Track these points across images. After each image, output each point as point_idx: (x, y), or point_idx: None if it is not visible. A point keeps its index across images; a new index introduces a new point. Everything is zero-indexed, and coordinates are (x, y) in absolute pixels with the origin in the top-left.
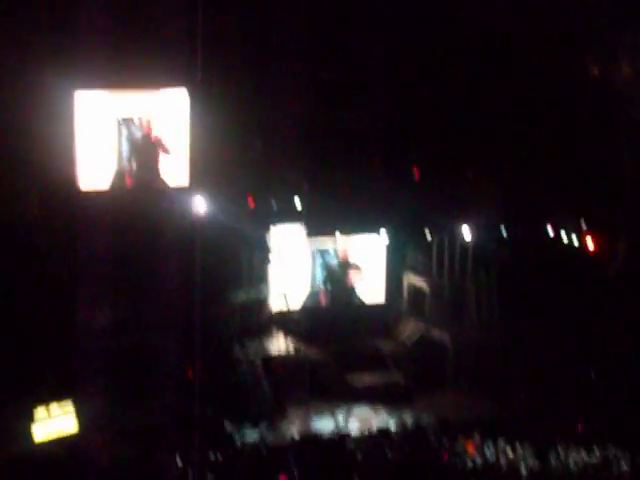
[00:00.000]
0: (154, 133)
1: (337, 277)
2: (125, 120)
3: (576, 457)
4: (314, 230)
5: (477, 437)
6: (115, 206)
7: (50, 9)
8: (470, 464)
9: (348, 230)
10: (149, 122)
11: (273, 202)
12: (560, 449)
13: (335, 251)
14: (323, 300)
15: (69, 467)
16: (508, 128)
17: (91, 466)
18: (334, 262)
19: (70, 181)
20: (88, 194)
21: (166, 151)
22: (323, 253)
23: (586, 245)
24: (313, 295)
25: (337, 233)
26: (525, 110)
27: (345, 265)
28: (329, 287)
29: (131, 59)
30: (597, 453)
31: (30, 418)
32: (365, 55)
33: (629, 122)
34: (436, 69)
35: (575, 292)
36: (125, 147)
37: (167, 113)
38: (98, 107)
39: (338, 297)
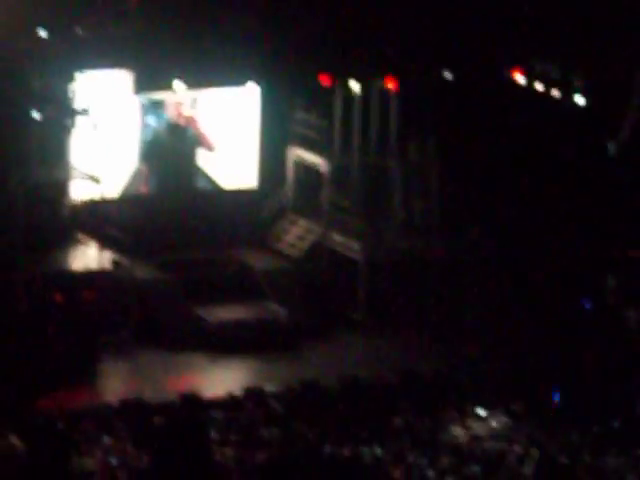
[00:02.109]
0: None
1: (170, 147)
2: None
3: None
4: (147, 80)
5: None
6: None
7: None
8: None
9: (198, 80)
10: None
11: (78, 31)
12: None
13: (170, 107)
14: (148, 186)
15: None
16: None
17: None
18: (166, 121)
19: None
20: None
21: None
22: (154, 110)
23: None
24: (138, 177)
25: (176, 83)
26: None
27: (180, 129)
28: (155, 163)
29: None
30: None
31: None
32: None
33: None
34: None
35: (558, 174)
36: None
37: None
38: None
39: (171, 179)
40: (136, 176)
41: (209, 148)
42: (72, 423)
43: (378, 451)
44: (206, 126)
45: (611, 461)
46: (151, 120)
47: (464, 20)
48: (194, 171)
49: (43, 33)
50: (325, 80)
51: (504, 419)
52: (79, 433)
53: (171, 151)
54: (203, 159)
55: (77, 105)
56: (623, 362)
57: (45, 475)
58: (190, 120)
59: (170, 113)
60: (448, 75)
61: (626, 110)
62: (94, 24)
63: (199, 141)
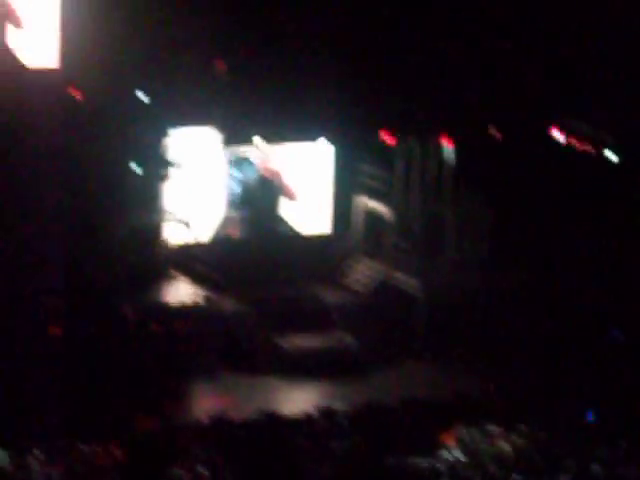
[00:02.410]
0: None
1: (257, 198)
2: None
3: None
4: (233, 136)
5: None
6: None
7: None
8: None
9: (277, 136)
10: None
11: (174, 95)
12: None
13: (256, 162)
14: (237, 230)
15: None
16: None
17: None
18: (253, 174)
19: None
20: None
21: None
22: (241, 165)
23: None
24: (227, 223)
25: (259, 139)
26: None
27: (266, 180)
28: (247, 212)
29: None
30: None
31: None
32: None
33: None
34: None
35: (594, 222)
36: None
37: None
38: None
39: (259, 225)
40: (225, 222)
41: (291, 198)
42: (168, 436)
43: (433, 462)
44: (288, 178)
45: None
46: (238, 172)
47: (510, 86)
48: (277, 218)
49: (144, 97)
50: (388, 138)
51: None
52: (173, 445)
53: (258, 201)
54: (283, 207)
55: (172, 158)
56: None
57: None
58: (274, 173)
59: (257, 166)
60: (496, 133)
61: None
62: (186, 88)
63: (282, 192)
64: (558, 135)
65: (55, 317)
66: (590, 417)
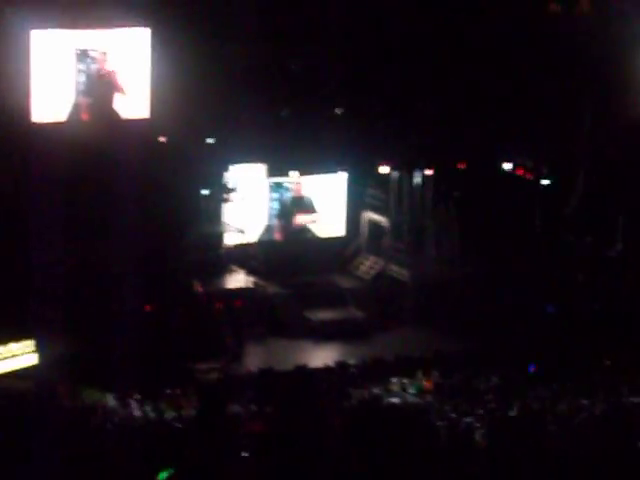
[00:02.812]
0: (110, 67)
1: (290, 211)
2: (82, 53)
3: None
4: (274, 170)
5: (435, 374)
6: (71, 138)
7: None
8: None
9: (307, 170)
10: (104, 55)
11: (235, 140)
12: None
13: (290, 186)
14: (277, 235)
15: (30, 398)
16: (467, 68)
17: (50, 400)
18: (288, 196)
19: (24, 114)
20: (43, 126)
21: (120, 89)
22: (278, 187)
23: (542, 182)
24: (269, 230)
25: (293, 171)
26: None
27: (298, 199)
28: (283, 221)
29: None
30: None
31: None
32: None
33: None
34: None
35: (533, 228)
36: (81, 80)
37: (128, 50)
38: (56, 44)
39: (292, 232)
40: (268, 229)
41: (313, 215)
42: (229, 382)
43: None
44: (312, 198)
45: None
46: (276, 195)
47: (471, 133)
48: (306, 227)
49: (211, 140)
50: (385, 169)
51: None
52: (233, 389)
53: (292, 214)
54: (309, 218)
55: (231, 185)
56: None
57: (210, 416)
58: (302, 194)
59: (292, 190)
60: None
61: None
62: (243, 135)
63: (311, 208)
64: (508, 166)
65: (150, 297)
66: (531, 369)
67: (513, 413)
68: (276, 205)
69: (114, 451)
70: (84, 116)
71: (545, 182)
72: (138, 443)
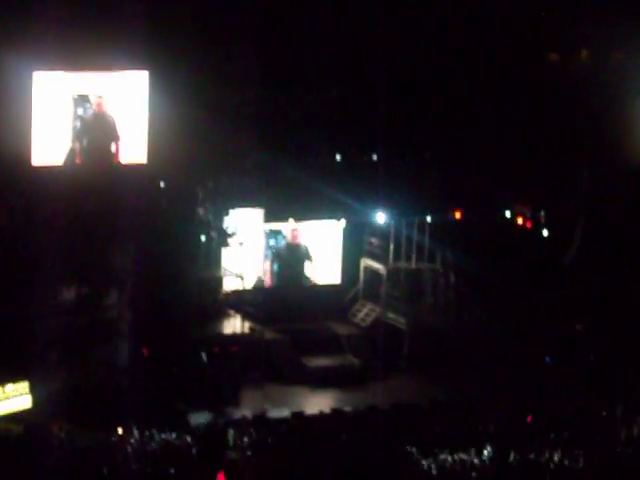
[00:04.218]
0: (107, 111)
1: (285, 258)
2: (81, 98)
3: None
4: (271, 215)
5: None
6: (67, 183)
7: None
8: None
9: (304, 216)
10: (101, 99)
11: (231, 185)
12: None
13: (285, 233)
14: (269, 280)
15: (23, 441)
16: (464, 117)
17: (45, 442)
18: (283, 243)
19: (24, 157)
20: (41, 169)
21: (116, 134)
22: (275, 234)
23: (541, 232)
24: (265, 276)
25: (290, 218)
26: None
27: (294, 246)
28: (275, 268)
29: (91, 41)
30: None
31: None
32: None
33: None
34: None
35: (530, 277)
36: (78, 125)
37: (126, 93)
38: (56, 86)
39: (286, 278)
40: (264, 275)
41: (310, 259)
42: (224, 427)
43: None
44: (307, 244)
45: None
46: (272, 241)
47: (472, 180)
48: (302, 273)
49: (211, 184)
50: (381, 218)
51: None
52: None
53: (288, 261)
54: (306, 265)
55: (229, 230)
56: None
57: (208, 459)
58: (300, 241)
59: (288, 236)
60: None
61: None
62: (239, 181)
63: (307, 255)
64: (507, 214)
65: (147, 341)
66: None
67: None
68: (273, 251)
69: None
70: (78, 160)
71: (544, 232)
72: None
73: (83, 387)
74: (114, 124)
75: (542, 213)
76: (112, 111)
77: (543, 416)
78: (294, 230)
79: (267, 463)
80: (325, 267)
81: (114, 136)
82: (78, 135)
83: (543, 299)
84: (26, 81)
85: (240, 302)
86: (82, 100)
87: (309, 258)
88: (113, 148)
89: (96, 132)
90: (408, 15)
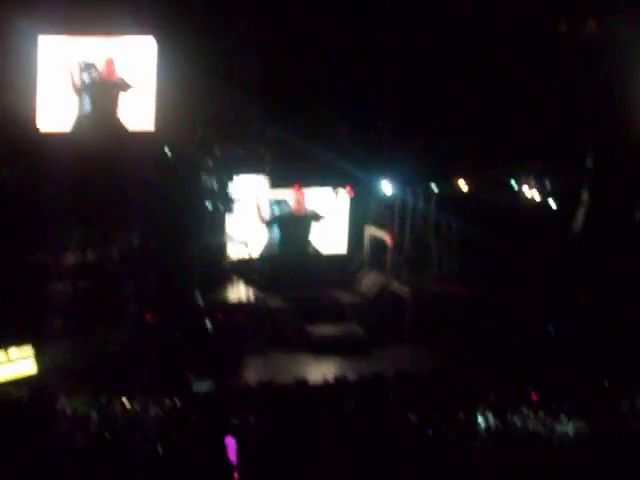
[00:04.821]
0: (114, 76)
1: (289, 227)
2: (87, 64)
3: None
4: (278, 181)
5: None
6: (76, 149)
7: None
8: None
9: (311, 183)
10: (110, 64)
11: (238, 151)
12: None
13: (290, 201)
14: (274, 249)
15: (28, 407)
16: (467, 83)
17: (49, 407)
18: (287, 211)
19: (32, 123)
20: (49, 136)
21: (125, 88)
22: (279, 203)
23: (549, 203)
24: (270, 244)
25: (295, 185)
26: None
27: (298, 216)
28: (279, 235)
29: (98, 5)
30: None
31: None
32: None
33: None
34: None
35: (536, 248)
36: (85, 90)
37: (133, 59)
38: (62, 51)
39: (290, 246)
40: (269, 243)
41: (317, 226)
42: (228, 395)
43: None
44: (315, 211)
45: None
46: (276, 209)
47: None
48: (307, 242)
49: (217, 152)
50: (387, 186)
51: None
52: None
53: (293, 229)
54: (312, 233)
55: (233, 197)
56: None
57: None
58: (306, 209)
59: (292, 205)
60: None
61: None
62: (246, 146)
63: (315, 218)
64: (513, 183)
65: (151, 307)
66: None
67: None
68: (277, 220)
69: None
70: (87, 127)
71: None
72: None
73: (87, 354)
74: (121, 89)
75: (547, 183)
76: (120, 75)
77: (544, 387)
78: (299, 197)
79: (270, 430)
80: (331, 236)
81: (123, 98)
82: (87, 100)
83: (548, 270)
84: (31, 45)
85: (245, 270)
86: (88, 66)
87: (317, 219)
88: (122, 115)
89: (105, 97)
90: None
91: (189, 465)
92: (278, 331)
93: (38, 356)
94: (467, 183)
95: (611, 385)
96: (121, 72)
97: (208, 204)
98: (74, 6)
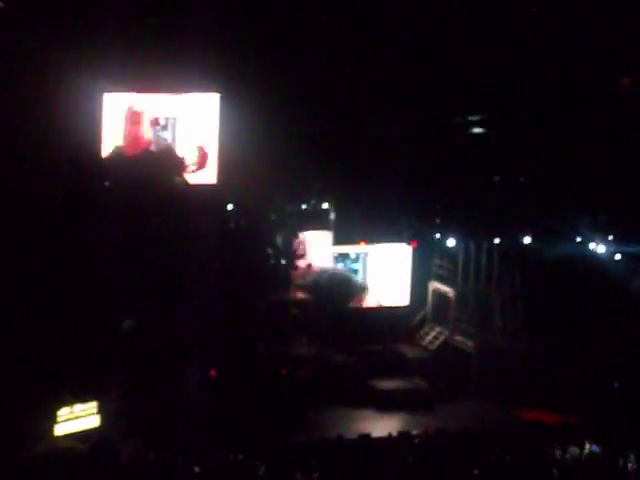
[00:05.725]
0: (178, 134)
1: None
2: (153, 120)
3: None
4: (340, 238)
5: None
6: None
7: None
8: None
9: (374, 239)
10: (173, 121)
11: (303, 208)
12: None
13: (355, 257)
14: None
15: (91, 459)
16: (533, 140)
17: (111, 460)
18: (354, 265)
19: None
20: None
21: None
22: (343, 258)
23: (611, 259)
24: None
25: (360, 242)
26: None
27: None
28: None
29: (163, 64)
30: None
31: (53, 419)
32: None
33: None
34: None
35: (600, 303)
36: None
37: (196, 115)
38: (125, 107)
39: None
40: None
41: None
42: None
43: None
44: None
45: None
46: (341, 265)
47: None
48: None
49: (280, 207)
50: (450, 241)
51: None
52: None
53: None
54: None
55: (299, 252)
56: None
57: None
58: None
59: (357, 258)
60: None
61: None
62: (309, 204)
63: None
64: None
65: (216, 362)
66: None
67: None
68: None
69: None
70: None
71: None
72: None
73: (151, 407)
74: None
75: (611, 237)
76: (184, 133)
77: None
78: (365, 252)
79: None
80: (394, 289)
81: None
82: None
83: (613, 325)
84: (97, 101)
85: (309, 324)
86: (154, 123)
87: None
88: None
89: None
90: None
91: None
92: (342, 385)
93: (102, 411)
94: (531, 237)
95: None
96: (184, 129)
97: (273, 259)
98: (140, 65)
